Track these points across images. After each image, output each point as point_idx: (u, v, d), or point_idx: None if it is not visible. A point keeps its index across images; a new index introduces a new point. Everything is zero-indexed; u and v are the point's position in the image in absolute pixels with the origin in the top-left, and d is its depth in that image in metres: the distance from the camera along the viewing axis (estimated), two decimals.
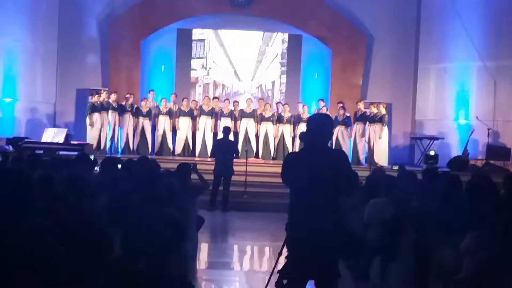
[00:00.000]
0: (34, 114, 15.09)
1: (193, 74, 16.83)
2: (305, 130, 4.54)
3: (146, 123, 14.54)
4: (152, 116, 14.65)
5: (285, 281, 4.41)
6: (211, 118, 14.60)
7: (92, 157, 9.03)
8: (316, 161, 4.21)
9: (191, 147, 14.72)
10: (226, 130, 12.03)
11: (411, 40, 15.94)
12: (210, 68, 16.93)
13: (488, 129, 14.00)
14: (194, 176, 7.15)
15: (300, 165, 4.27)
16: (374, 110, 14.07)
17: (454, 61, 15.18)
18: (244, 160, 12.15)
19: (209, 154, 14.15)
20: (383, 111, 14.02)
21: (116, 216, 3.40)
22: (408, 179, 6.62)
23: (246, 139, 14.53)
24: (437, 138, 14.79)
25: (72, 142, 12.83)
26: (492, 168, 13.17)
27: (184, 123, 14.58)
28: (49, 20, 15.14)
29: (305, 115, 14.03)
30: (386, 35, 15.81)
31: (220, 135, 13.07)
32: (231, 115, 14.59)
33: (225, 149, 11.41)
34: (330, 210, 4.20)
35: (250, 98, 15.42)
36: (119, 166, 6.53)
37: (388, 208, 5.61)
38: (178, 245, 2.66)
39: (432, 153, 14.25)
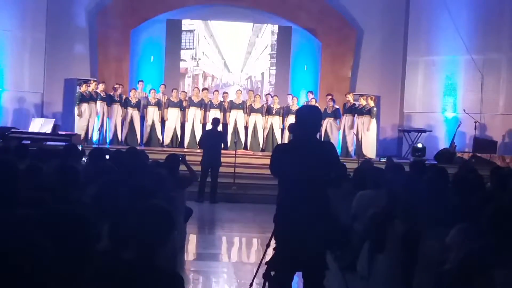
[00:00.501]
0: (21, 104, 14.99)
1: (182, 65, 16.77)
2: (294, 122, 4.55)
3: (135, 114, 14.49)
4: (141, 106, 14.60)
5: (272, 273, 4.43)
6: (200, 109, 14.58)
7: (80, 147, 9.00)
8: (304, 152, 4.22)
9: (179, 138, 14.70)
10: (216, 121, 12.00)
11: (400, 33, 16.00)
12: (199, 59, 16.87)
13: (475, 122, 14.10)
14: (182, 167, 7.15)
15: (289, 156, 4.29)
16: (362, 102, 14.11)
17: (442, 54, 15.27)
18: (233, 152, 12.16)
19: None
20: (371, 103, 14.06)
21: (104, 207, 3.40)
22: (395, 171, 6.67)
23: (235, 130, 14.53)
24: (424, 131, 14.89)
25: (60, 132, 12.78)
26: (479, 160, 13.27)
27: (173, 114, 14.54)
28: (37, 10, 15.04)
29: (294, 107, 14.04)
30: (375, 28, 15.86)
31: (209, 126, 13.05)
32: (220, 106, 14.58)
33: (213, 140, 11.39)
34: (318, 202, 4.22)
35: (239, 90, 15.41)
36: (107, 157, 6.51)
37: (375, 200, 5.65)
38: (167, 236, 2.67)
39: (419, 145, 14.34)
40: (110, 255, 2.64)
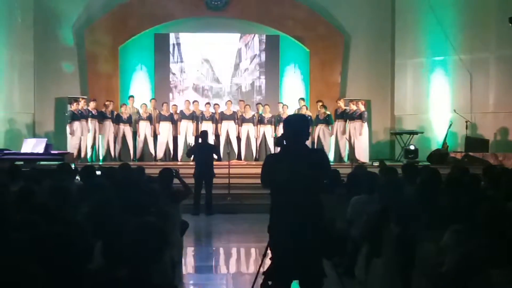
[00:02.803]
0: (12, 125, 14.95)
1: (172, 78, 16.78)
2: (280, 134, 4.56)
3: (127, 130, 14.47)
4: (133, 122, 14.59)
5: (270, 283, 4.43)
6: (192, 122, 14.59)
7: (73, 166, 8.97)
8: (295, 161, 4.23)
9: (172, 152, 14.69)
10: (204, 133, 11.97)
11: (387, 36, 16.08)
12: (189, 72, 16.89)
13: (466, 122, 14.15)
14: (176, 181, 7.13)
15: (280, 166, 4.29)
16: (353, 107, 14.16)
17: (430, 56, 15.35)
18: (227, 162, 12.15)
19: (190, 157, 14.09)
20: (362, 108, 14.12)
21: (97, 225, 3.39)
22: (388, 175, 6.68)
23: (228, 141, 14.54)
24: (416, 133, 14.94)
25: (53, 151, 12.73)
26: (472, 160, 13.34)
27: (164, 128, 14.54)
28: (24, 31, 15.04)
29: (286, 115, 14.05)
30: (362, 33, 15.94)
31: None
32: (212, 118, 14.59)
33: (205, 153, 11.38)
34: (311, 210, 4.22)
35: (230, 100, 15.42)
36: (99, 173, 6.50)
37: (370, 204, 5.66)
38: (160, 252, 2.66)
39: (412, 147, 14.38)
40: (103, 273, 2.64)
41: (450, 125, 14.49)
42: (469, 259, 3.59)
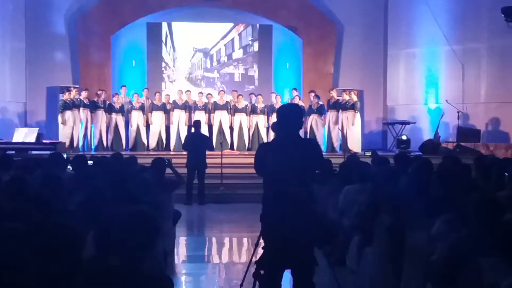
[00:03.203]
0: (4, 114, 14.88)
1: (164, 67, 16.73)
2: (273, 123, 4.56)
3: (119, 119, 14.42)
4: (125, 111, 14.55)
5: (262, 272, 4.45)
6: (185, 112, 14.57)
7: (65, 155, 8.96)
8: (288, 150, 4.24)
9: (164, 142, 14.68)
10: (197, 123, 11.99)
11: (380, 26, 16.07)
12: (181, 61, 16.84)
13: (458, 112, 14.20)
14: (169, 171, 7.14)
15: (273, 155, 4.30)
16: (346, 97, 14.17)
17: (422, 46, 15.37)
18: (219, 152, 12.16)
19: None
20: (354, 98, 14.15)
21: (89, 214, 3.40)
22: (380, 164, 6.72)
23: (221, 131, 14.53)
24: (408, 123, 14.99)
25: (44, 141, 12.70)
26: (463, 150, 13.41)
27: (157, 118, 14.52)
28: (15, 19, 14.93)
29: (279, 105, 14.00)
30: (355, 23, 15.92)
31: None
32: (204, 107, 14.57)
33: (197, 143, 11.37)
34: (303, 199, 4.23)
35: (222, 90, 15.41)
36: (90, 163, 6.49)
37: (362, 194, 5.69)
38: (152, 241, 2.67)
39: (404, 137, 14.43)
40: (96, 262, 2.65)
41: (442, 115, 14.54)
42: (459, 248, 3.62)
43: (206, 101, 14.71)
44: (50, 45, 15.30)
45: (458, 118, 14.20)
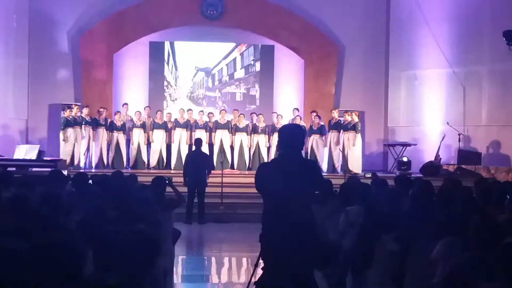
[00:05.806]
0: (5, 130, 14.90)
1: (166, 86, 16.80)
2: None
3: (121, 137, 14.44)
4: (127, 129, 14.57)
5: None
6: (186, 130, 14.59)
7: (65, 172, 8.95)
8: (288, 170, 4.24)
9: (165, 160, 14.67)
10: (198, 141, 12.01)
11: (382, 48, 16.14)
12: (183, 80, 16.91)
13: (459, 134, 14.21)
14: (169, 189, 7.12)
15: (273, 175, 4.29)
16: (347, 118, 14.20)
17: (424, 68, 15.42)
18: (220, 172, 12.14)
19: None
20: (355, 118, 14.16)
21: (89, 232, 3.39)
22: (379, 186, 6.69)
23: (221, 150, 14.53)
24: (409, 145, 14.98)
25: (45, 158, 12.69)
26: (464, 172, 13.39)
27: (158, 136, 14.53)
28: (19, 36, 15.01)
29: (280, 125, 14.06)
30: (357, 44, 16.00)
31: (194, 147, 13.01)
32: (205, 126, 14.59)
33: (198, 161, 11.37)
34: (302, 220, 4.22)
35: (224, 109, 15.44)
36: (90, 181, 6.49)
37: (362, 216, 5.67)
38: (151, 261, 2.66)
39: (405, 159, 14.41)
40: (95, 280, 2.63)
41: (443, 137, 14.54)
42: (460, 271, 3.60)
43: (208, 120, 14.74)
44: (52, 62, 15.36)
45: (459, 141, 14.21)
